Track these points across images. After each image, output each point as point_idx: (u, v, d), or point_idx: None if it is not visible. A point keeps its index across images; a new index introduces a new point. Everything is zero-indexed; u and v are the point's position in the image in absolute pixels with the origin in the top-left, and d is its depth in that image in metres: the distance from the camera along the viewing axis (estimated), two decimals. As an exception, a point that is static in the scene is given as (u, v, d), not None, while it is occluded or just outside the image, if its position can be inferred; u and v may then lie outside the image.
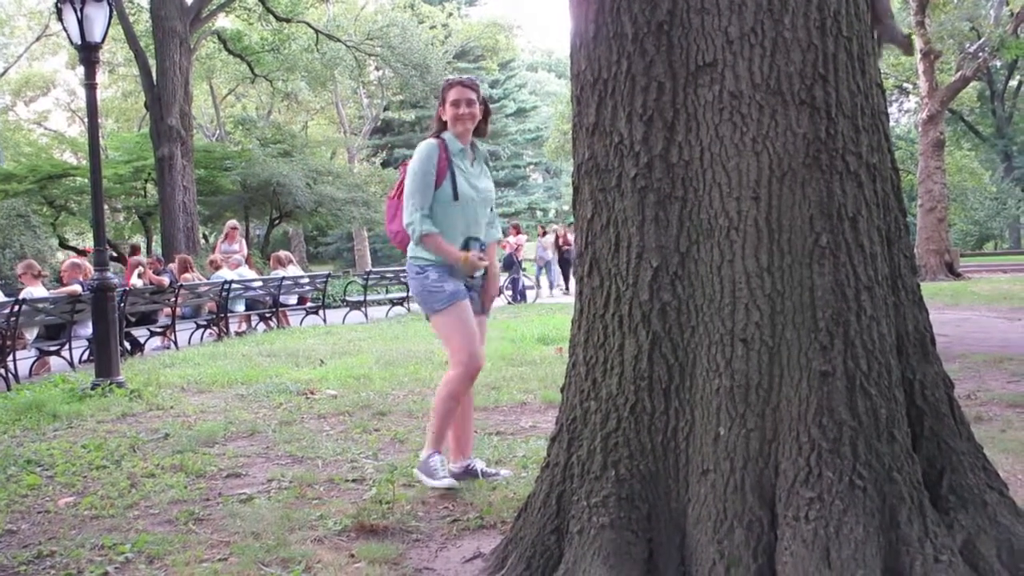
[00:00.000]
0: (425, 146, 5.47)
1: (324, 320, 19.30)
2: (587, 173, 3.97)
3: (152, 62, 28.55)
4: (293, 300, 19.22)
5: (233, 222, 21.73)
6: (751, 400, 3.55)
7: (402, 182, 5.58)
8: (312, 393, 8.93)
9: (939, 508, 3.64)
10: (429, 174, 5.39)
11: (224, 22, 39.72)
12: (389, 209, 5.83)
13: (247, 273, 18.93)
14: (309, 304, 19.81)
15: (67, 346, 12.70)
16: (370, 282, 22.17)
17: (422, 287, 5.47)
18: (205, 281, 17.50)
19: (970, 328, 12.90)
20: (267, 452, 6.64)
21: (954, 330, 12.43)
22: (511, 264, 25.39)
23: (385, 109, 52.74)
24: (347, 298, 22.39)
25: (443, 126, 5.57)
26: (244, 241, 22.07)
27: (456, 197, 5.42)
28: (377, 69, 47.48)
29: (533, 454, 6.05)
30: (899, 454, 3.53)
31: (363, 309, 20.71)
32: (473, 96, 5.53)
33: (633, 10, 3.77)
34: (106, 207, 37.32)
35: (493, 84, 62.42)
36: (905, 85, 44.37)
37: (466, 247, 5.49)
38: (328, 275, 21.29)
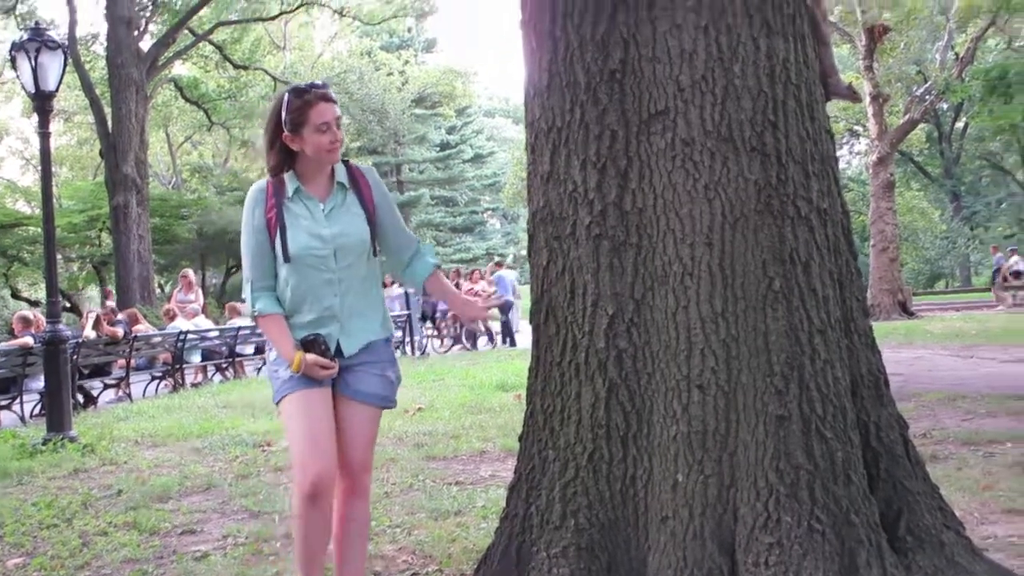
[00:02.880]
0: (249, 193, 3.94)
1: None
2: (542, 221, 3.99)
3: (108, 110, 28.42)
4: (250, 350, 19.06)
5: (188, 271, 21.58)
6: (708, 446, 3.56)
7: None
8: (269, 445, 8.84)
9: (897, 550, 3.66)
10: (258, 233, 3.84)
11: (181, 70, 39.66)
12: None
13: (203, 323, 18.77)
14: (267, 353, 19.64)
15: (18, 400, 12.50)
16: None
17: (267, 367, 4.08)
18: (160, 331, 17.33)
19: (924, 366, 13.01)
20: (223, 507, 6.55)
21: (908, 369, 12.52)
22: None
23: (343, 155, 52.61)
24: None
25: (287, 160, 3.90)
26: (200, 290, 21.92)
27: (286, 257, 3.79)
28: (334, 116, 47.47)
29: (493, 504, 6.01)
30: (856, 497, 3.54)
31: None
32: (339, 112, 3.94)
33: (586, 59, 3.81)
34: (59, 257, 37.01)
35: (450, 130, 62.72)
36: (855, 128, 44.96)
37: (311, 343, 3.76)
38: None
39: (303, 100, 3.77)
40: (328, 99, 3.82)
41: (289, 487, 6.91)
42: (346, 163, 4.03)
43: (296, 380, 3.74)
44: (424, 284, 4.18)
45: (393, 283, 26.58)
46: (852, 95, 4.57)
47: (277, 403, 3.85)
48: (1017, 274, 31.80)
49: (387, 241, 4.04)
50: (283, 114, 3.78)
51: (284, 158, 3.88)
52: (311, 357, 3.71)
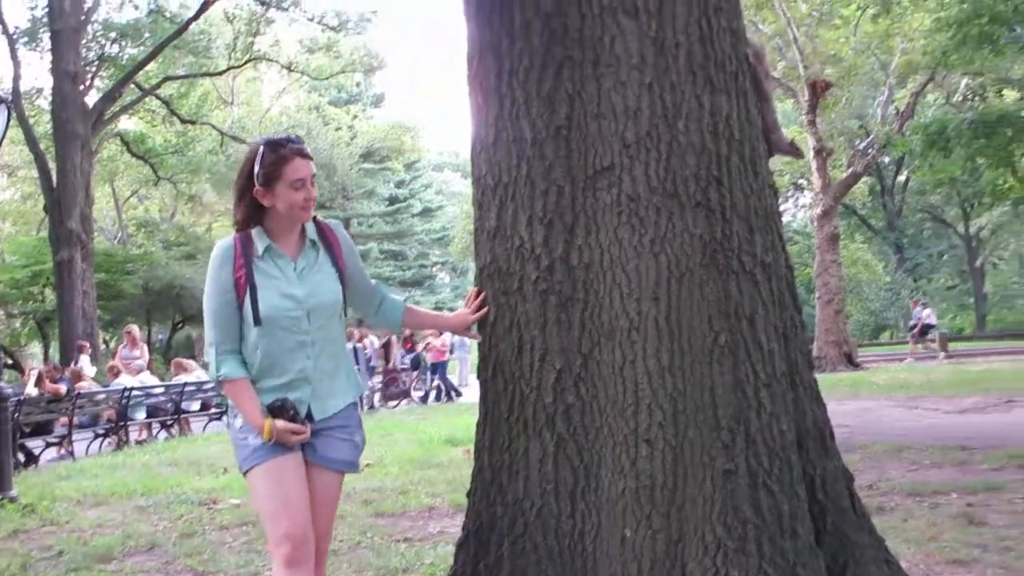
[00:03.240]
0: (215, 252, 3.70)
1: (228, 426, 18.90)
2: (489, 277, 4.00)
3: (52, 164, 28.17)
4: (196, 406, 18.84)
5: (133, 327, 21.35)
6: (656, 501, 3.56)
7: None
8: (215, 503, 8.71)
9: (845, 603, 3.67)
10: (225, 293, 3.63)
11: (127, 124, 39.46)
12: None
13: (148, 379, 18.54)
14: (213, 410, 19.43)
15: (-42, 459, 12.24)
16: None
17: (230, 434, 3.84)
18: (104, 388, 17.09)
19: (870, 418, 13.12)
20: (166, 567, 6.44)
21: (855, 420, 12.61)
22: (419, 363, 25.23)
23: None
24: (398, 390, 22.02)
25: (256, 215, 3.71)
26: (145, 346, 21.68)
27: (257, 320, 3.61)
28: (282, 170, 47.44)
29: (441, 561, 5.95)
30: (803, 550, 3.55)
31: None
32: (315, 170, 3.79)
33: (532, 115, 3.84)
34: (2, 313, 36.53)
35: (399, 184, 62.81)
36: (800, 181, 45.60)
37: (279, 409, 3.58)
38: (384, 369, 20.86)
39: (278, 155, 3.61)
40: (304, 155, 3.67)
41: (234, 545, 6.83)
42: (315, 219, 3.85)
43: (267, 447, 3.57)
44: (402, 321, 4.14)
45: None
46: (794, 151, 4.64)
47: (246, 472, 3.66)
48: (926, 328, 32.47)
49: (358, 294, 3.94)
50: (256, 167, 3.61)
51: (252, 213, 3.69)
52: (281, 424, 3.54)
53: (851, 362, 27.30)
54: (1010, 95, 25.59)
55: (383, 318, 4.10)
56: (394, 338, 23.86)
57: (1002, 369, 21.98)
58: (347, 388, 3.81)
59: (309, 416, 3.66)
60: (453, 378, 27.05)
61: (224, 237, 3.76)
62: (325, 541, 3.82)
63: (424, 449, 11.85)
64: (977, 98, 22.15)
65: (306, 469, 3.68)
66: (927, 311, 33.10)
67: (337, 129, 47.47)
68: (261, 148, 3.63)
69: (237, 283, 3.62)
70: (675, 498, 3.56)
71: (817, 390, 4.15)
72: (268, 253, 3.67)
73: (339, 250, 3.84)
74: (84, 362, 20.59)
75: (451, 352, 26.17)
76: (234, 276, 3.62)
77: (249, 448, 3.62)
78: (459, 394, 24.53)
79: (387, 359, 24.41)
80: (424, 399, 24.77)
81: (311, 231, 3.79)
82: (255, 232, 3.69)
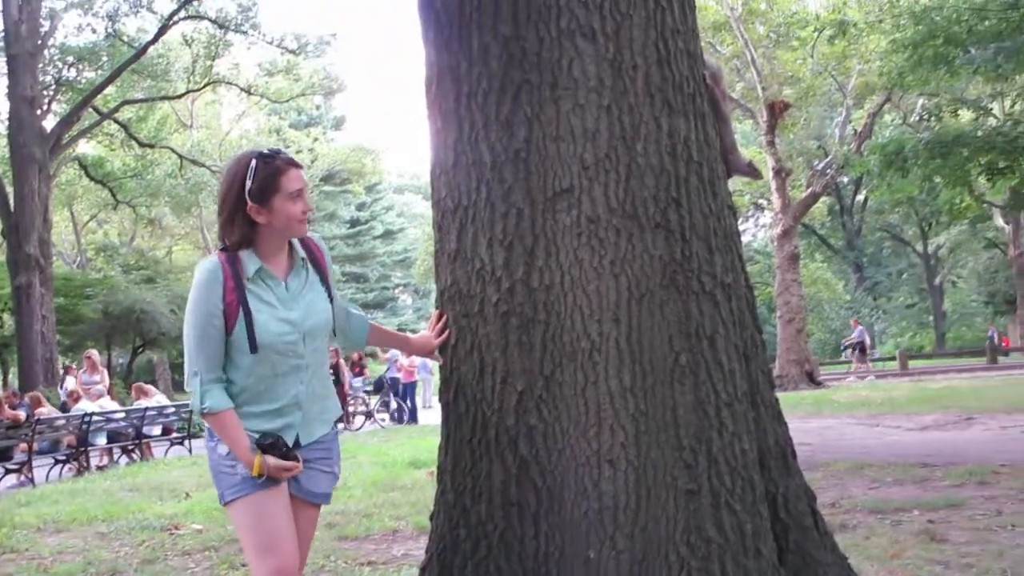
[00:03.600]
0: (200, 274, 3.43)
1: (190, 451, 18.74)
2: (450, 299, 4.00)
3: (10, 189, 27.91)
4: (157, 431, 18.68)
5: (92, 352, 21.15)
6: (620, 521, 3.56)
7: None
8: (177, 528, 8.63)
9: (808, 621, 3.68)
10: (213, 319, 3.37)
11: (85, 148, 39.19)
12: None
13: (108, 404, 18.37)
14: (174, 434, 19.28)
15: (-86, 487, 12.09)
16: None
17: (210, 461, 3.56)
18: (63, 414, 16.91)
19: (832, 436, 13.18)
20: (128, 593, 6.38)
21: (817, 438, 12.68)
22: (382, 385, 25.15)
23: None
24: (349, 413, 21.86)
25: (247, 234, 3.46)
26: (105, 371, 21.48)
27: (254, 347, 3.39)
28: (243, 193, 47.30)
29: (405, 583, 5.94)
30: (766, 569, 3.57)
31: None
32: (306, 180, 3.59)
33: (491, 138, 3.84)
34: (-41, 339, 36.06)
35: (360, 207, 62.79)
36: (760, 201, 45.94)
37: (271, 446, 3.39)
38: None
39: (272, 166, 3.40)
40: (297, 165, 3.49)
41: (196, 571, 6.76)
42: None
43: (253, 479, 3.38)
44: (367, 339, 3.98)
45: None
46: (752, 171, 4.68)
47: (227, 502, 3.46)
48: (859, 347, 32.97)
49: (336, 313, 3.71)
50: (248, 182, 3.37)
51: (247, 232, 3.43)
52: (273, 461, 3.36)
53: (812, 380, 27.50)
54: (965, 115, 25.92)
55: (350, 336, 3.91)
56: (342, 360, 23.68)
57: (961, 386, 22.20)
58: (331, 410, 3.69)
59: (296, 443, 3.50)
60: (417, 399, 26.94)
61: (207, 258, 3.48)
62: (301, 571, 3.62)
63: (388, 472, 11.80)
64: (933, 118, 22.39)
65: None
66: (860, 328, 33.65)
67: (298, 152, 47.31)
68: (253, 161, 3.41)
69: (227, 308, 3.37)
70: (638, 519, 3.57)
71: (778, 409, 4.18)
72: (259, 275, 3.45)
73: (325, 266, 3.68)
74: (71, 384, 20.60)
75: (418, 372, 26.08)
76: (224, 301, 3.37)
77: (236, 478, 3.42)
78: (415, 420, 24.41)
79: (339, 382, 24.26)
80: (400, 418, 24.63)
81: (299, 247, 3.60)
82: (243, 253, 3.45)
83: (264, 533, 3.41)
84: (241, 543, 3.62)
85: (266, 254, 3.47)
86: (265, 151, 3.47)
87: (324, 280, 3.63)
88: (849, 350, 35.26)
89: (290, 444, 3.45)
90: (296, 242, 3.58)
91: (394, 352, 25.53)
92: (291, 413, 3.49)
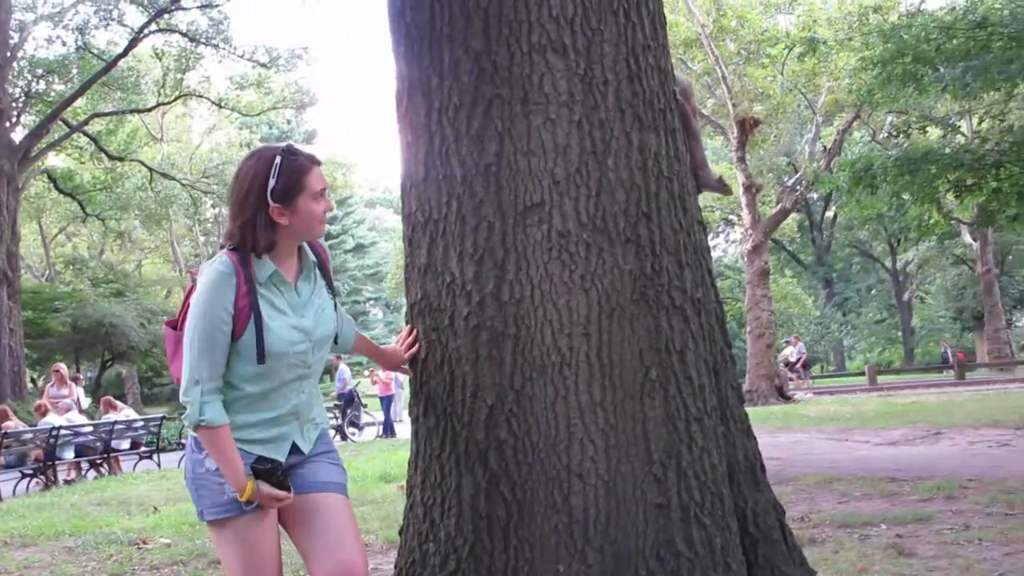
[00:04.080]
0: (212, 274, 3.17)
1: (159, 465, 18.63)
2: (420, 313, 3.99)
3: (-23, 202, 27.73)
4: (126, 444, 18.55)
5: (61, 365, 20.99)
6: (589, 536, 3.56)
7: (186, 307, 3.32)
8: (145, 543, 8.56)
9: (776, 636, 3.69)
10: (223, 324, 3.13)
11: (55, 161, 38.96)
12: (168, 342, 3.50)
13: (76, 418, 18.23)
14: (143, 448, 19.15)
15: None
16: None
17: (193, 473, 3.28)
18: (31, 428, 16.77)
19: (801, 450, 13.23)
20: (95, 609, 6.32)
21: (786, 452, 12.72)
22: (350, 400, 25.06)
23: (221, 247, 52.33)
24: (183, 441, 21.67)
25: (271, 237, 3.23)
26: (74, 385, 21.32)
27: (262, 358, 3.17)
28: (213, 207, 47.20)
29: (375, 598, 5.91)
30: (735, 583, 3.57)
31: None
32: None
33: (461, 153, 3.84)
34: (-76, 353, 35.72)
35: (331, 220, 62.57)
36: (730, 217, 46.16)
37: (267, 472, 3.17)
38: (163, 417, 20.67)
39: (297, 164, 3.21)
40: (318, 162, 3.33)
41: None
42: None
43: (240, 503, 3.15)
44: (354, 345, 3.81)
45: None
46: (722, 187, 4.70)
47: (212, 520, 3.23)
48: (799, 363, 33.27)
49: None
50: (272, 180, 3.17)
51: (271, 236, 3.21)
52: (266, 489, 3.13)
53: (782, 395, 27.61)
54: (934, 132, 26.18)
55: (340, 340, 3.67)
56: None
57: (929, 402, 22.33)
58: (321, 412, 3.49)
59: (297, 451, 3.32)
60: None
61: (216, 258, 3.25)
62: (363, 566, 3.32)
63: (358, 486, 11.74)
64: (902, 135, 22.61)
65: (306, 503, 3.31)
66: (800, 344, 33.97)
67: (269, 166, 47.18)
68: (277, 158, 3.20)
69: (238, 313, 3.14)
70: (608, 533, 3.57)
71: (748, 424, 4.19)
72: (272, 279, 3.24)
73: (329, 269, 3.53)
74: (79, 393, 20.58)
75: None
76: (235, 305, 3.14)
77: (223, 497, 3.17)
78: (393, 433, 24.34)
79: None
80: (386, 431, 24.51)
81: (307, 250, 3.40)
82: (254, 255, 3.23)
83: (249, 561, 3.23)
84: (223, 566, 3.39)
85: (279, 257, 3.28)
86: (286, 146, 3.27)
87: (329, 285, 3.50)
88: (803, 365, 35.44)
89: (286, 455, 3.26)
90: (305, 244, 3.40)
91: (343, 368, 25.43)
92: (288, 423, 3.29)
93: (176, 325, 3.40)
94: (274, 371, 3.20)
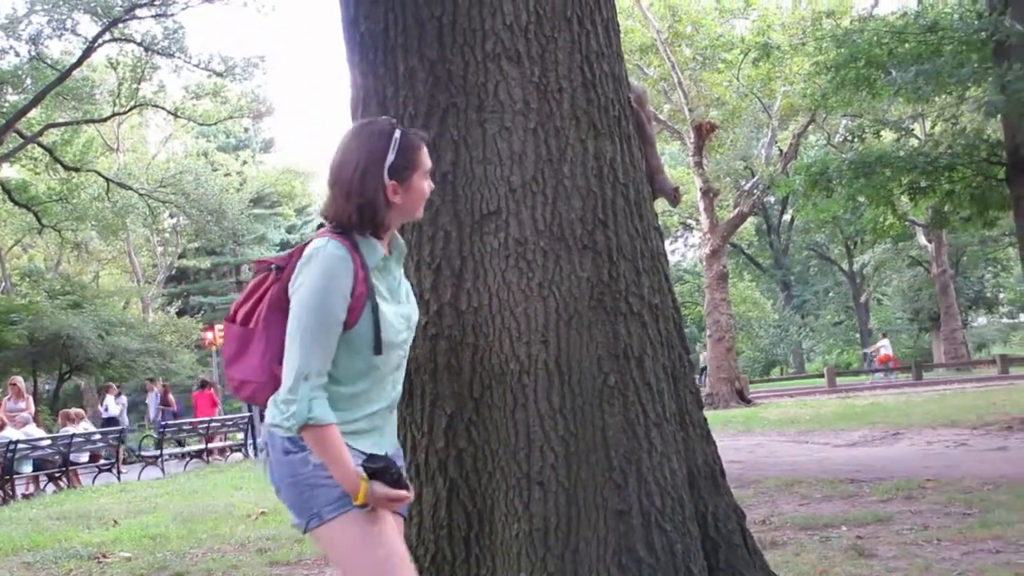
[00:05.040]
0: (327, 259, 2.86)
1: (118, 477, 18.48)
2: (378, 322, 3.97)
3: (-70, 215, 27.39)
4: (85, 458, 18.36)
5: (17, 378, 20.74)
6: (550, 543, 3.56)
7: (255, 294, 3.08)
8: (104, 557, 8.48)
9: (738, 639, 3.70)
10: (339, 311, 2.86)
11: (9, 172, 38.50)
12: (231, 340, 3.11)
13: (34, 431, 18.02)
14: (102, 461, 18.96)
15: None
16: (166, 435, 21.43)
17: (294, 476, 2.91)
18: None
19: (762, 453, 13.30)
20: (53, 625, 6.25)
21: (748, 456, 12.79)
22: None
23: (180, 256, 52.00)
24: (142, 453, 21.54)
25: (385, 217, 2.98)
26: (31, 398, 21.08)
27: (379, 348, 2.93)
28: (171, 216, 46.86)
29: (337, 609, 5.87)
30: (696, 588, 3.58)
31: (159, 464, 19.94)
32: None
33: (418, 161, 3.84)
34: None
35: (290, 229, 62.32)
36: (689, 221, 46.37)
37: (382, 471, 2.86)
38: (122, 429, 20.48)
39: (412, 140, 3.01)
40: (426, 139, 3.09)
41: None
42: None
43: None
44: None
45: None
46: (674, 197, 4.71)
47: (332, 519, 2.87)
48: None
49: None
50: (391, 156, 2.95)
51: (385, 215, 2.98)
52: (381, 489, 2.84)
53: (743, 398, 27.76)
54: (888, 136, 26.40)
55: None
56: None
57: (887, 402, 22.54)
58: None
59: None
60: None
61: (325, 240, 2.93)
62: None
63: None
64: (856, 139, 22.81)
65: None
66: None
67: (226, 175, 46.95)
68: (396, 133, 2.98)
69: (354, 302, 2.88)
70: (569, 540, 3.57)
71: (707, 429, 4.21)
72: (381, 269, 3.00)
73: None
74: (109, 402, 20.45)
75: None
76: (353, 293, 2.88)
77: (337, 491, 2.85)
78: None
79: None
80: None
81: (397, 233, 3.14)
82: (362, 239, 2.97)
83: (384, 551, 2.89)
84: (348, 566, 2.93)
85: (384, 239, 3.04)
86: (393, 120, 3.06)
87: (407, 271, 3.29)
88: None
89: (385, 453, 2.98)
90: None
91: None
92: (385, 418, 3.05)
93: (236, 319, 3.11)
94: (385, 362, 2.98)
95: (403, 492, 2.88)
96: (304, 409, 2.79)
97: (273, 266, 3.05)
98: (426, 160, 3.01)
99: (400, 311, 3.02)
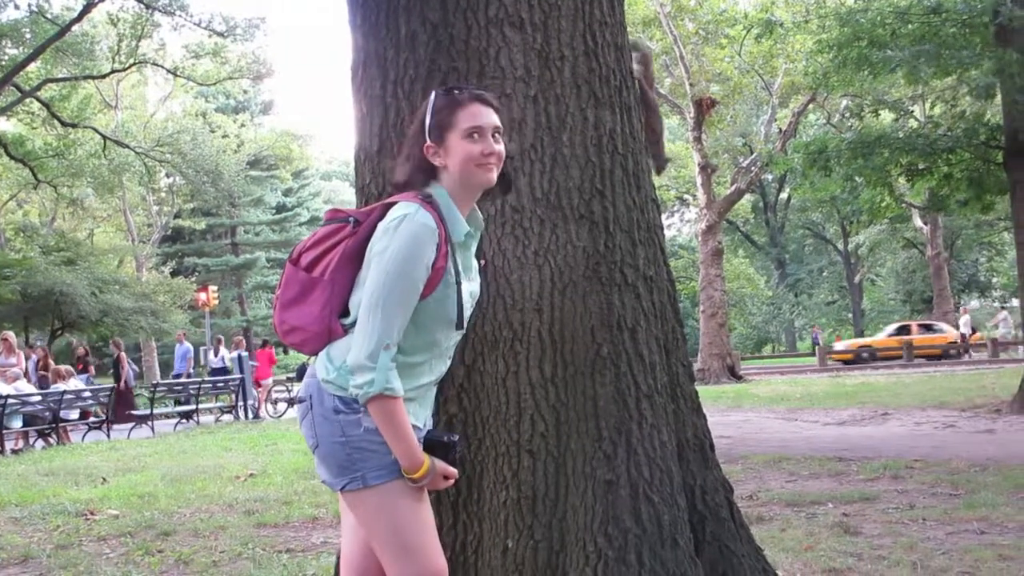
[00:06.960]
0: (415, 227, 2.80)
1: (108, 435, 18.50)
2: (373, 286, 3.97)
3: (-76, 168, 27.28)
4: (75, 415, 18.37)
5: (9, 333, 20.72)
6: (538, 511, 3.57)
7: (325, 242, 3.02)
8: (92, 514, 8.50)
9: (722, 612, 3.72)
10: (420, 282, 2.82)
11: (6, 126, 38.32)
12: (293, 283, 3.06)
13: (24, 387, 18.03)
14: (92, 419, 18.98)
15: None
16: (157, 395, 21.45)
17: (344, 436, 2.87)
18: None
19: (751, 429, 13.35)
20: (40, 579, 6.27)
21: (737, 431, 12.84)
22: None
23: (176, 216, 51.89)
24: (133, 412, 21.56)
25: (423, 177, 2.97)
26: (22, 353, 21.06)
27: (461, 323, 2.95)
28: (167, 176, 46.72)
29: (324, 572, 5.90)
30: (683, 560, 3.59)
31: (150, 423, 19.96)
32: (500, 124, 3.02)
33: (416, 125, 3.82)
34: None
35: (287, 192, 62.23)
36: (685, 197, 46.36)
37: (445, 446, 2.92)
38: (113, 388, 20.49)
39: (451, 98, 2.96)
40: (485, 102, 2.98)
41: (111, 557, 6.66)
42: None
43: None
44: None
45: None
46: (660, 166, 4.69)
47: (367, 484, 2.85)
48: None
49: None
50: (427, 118, 2.96)
51: (421, 176, 2.96)
52: (441, 465, 2.87)
53: (734, 374, 27.85)
54: (887, 116, 26.36)
55: None
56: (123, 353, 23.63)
57: (878, 382, 22.63)
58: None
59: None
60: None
61: (410, 206, 2.85)
62: None
63: (308, 459, 11.70)
64: (856, 119, 22.79)
65: None
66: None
67: (224, 136, 46.79)
68: (433, 94, 3.01)
69: (433, 274, 2.83)
70: (557, 509, 3.58)
71: (698, 402, 4.21)
72: (464, 243, 2.99)
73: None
74: (224, 353, 23.36)
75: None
76: (434, 265, 2.83)
77: (388, 458, 2.83)
78: None
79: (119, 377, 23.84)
80: None
81: (477, 209, 3.11)
82: (444, 205, 2.93)
83: (424, 517, 2.91)
84: (388, 537, 2.89)
85: (462, 210, 2.99)
86: (452, 84, 3.15)
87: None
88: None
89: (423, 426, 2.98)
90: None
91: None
92: (429, 391, 3.04)
93: (299, 263, 3.07)
94: (448, 337, 2.98)
95: (455, 470, 2.92)
96: (383, 379, 2.74)
97: (351, 218, 3.00)
98: (467, 119, 2.92)
99: (469, 288, 3.00)
